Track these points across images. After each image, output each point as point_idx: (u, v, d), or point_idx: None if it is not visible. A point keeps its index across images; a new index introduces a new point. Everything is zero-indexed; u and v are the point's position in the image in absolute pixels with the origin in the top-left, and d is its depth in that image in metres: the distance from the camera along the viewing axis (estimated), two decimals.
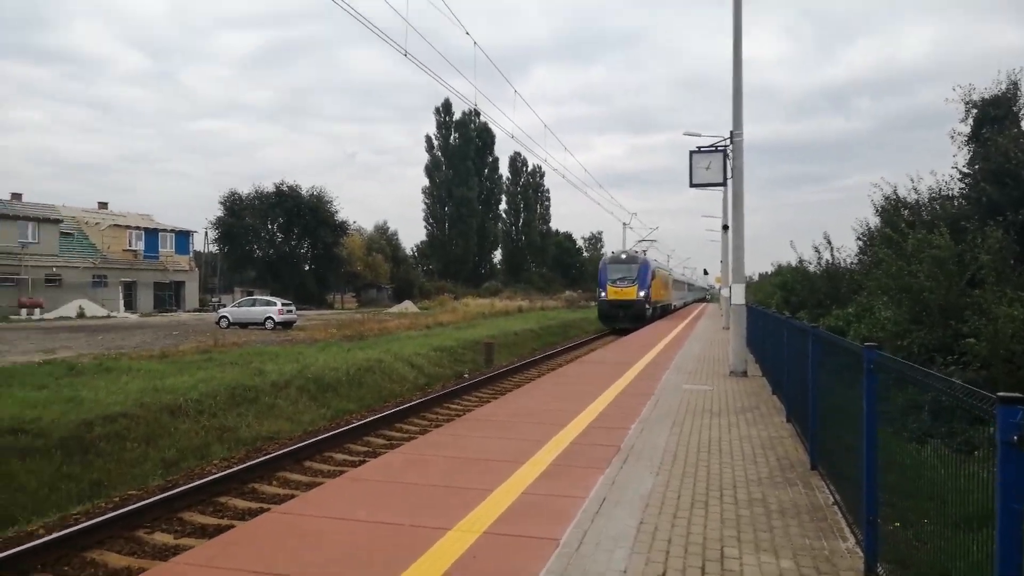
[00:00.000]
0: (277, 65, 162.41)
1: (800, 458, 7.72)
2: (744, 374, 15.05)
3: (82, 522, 8.02)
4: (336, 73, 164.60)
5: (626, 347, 21.88)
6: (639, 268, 37.57)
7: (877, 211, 20.52)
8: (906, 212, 18.82)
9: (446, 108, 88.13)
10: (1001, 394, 2.53)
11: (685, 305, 71.62)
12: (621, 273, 37.28)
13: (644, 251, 45.76)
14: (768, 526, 5.51)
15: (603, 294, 37.59)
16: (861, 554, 4.73)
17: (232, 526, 7.51)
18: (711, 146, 18.20)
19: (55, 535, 7.51)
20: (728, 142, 16.68)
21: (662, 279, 45.66)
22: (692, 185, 17.92)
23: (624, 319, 36.35)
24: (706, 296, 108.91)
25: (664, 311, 46.58)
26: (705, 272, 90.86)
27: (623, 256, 39.31)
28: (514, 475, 6.84)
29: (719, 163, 17.61)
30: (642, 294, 36.60)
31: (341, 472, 9.17)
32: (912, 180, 19.32)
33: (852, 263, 23.10)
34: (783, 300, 27.56)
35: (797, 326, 9.24)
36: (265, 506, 8.31)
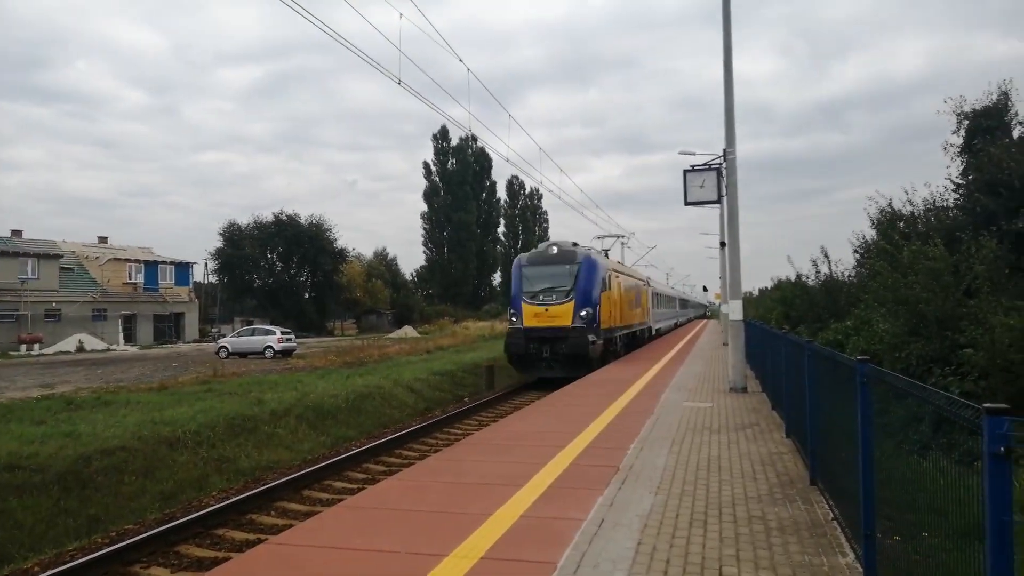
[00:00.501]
0: (276, 97, 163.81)
1: (800, 474, 7.66)
2: (744, 390, 14.99)
3: (78, 558, 7.95)
4: (334, 103, 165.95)
5: (626, 367, 21.82)
6: (579, 270, 22.20)
7: (873, 224, 20.60)
8: (901, 224, 18.87)
9: (443, 134, 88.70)
10: (987, 405, 2.51)
11: (678, 326, 59.13)
12: (547, 281, 22.32)
13: (605, 250, 29.60)
14: (767, 543, 5.46)
15: (515, 318, 22.27)
16: (861, 569, 4.68)
17: (229, 558, 7.43)
18: (705, 164, 18.27)
19: (50, 572, 7.44)
20: (722, 160, 16.76)
21: (629, 290, 28.81)
22: (687, 203, 17.97)
23: (553, 363, 21.52)
24: (706, 312, 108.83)
25: (634, 341, 30.21)
26: (705, 289, 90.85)
27: (552, 251, 23.08)
28: (512, 498, 6.79)
29: (713, 181, 17.67)
30: (584, 315, 21.51)
31: (339, 500, 9.09)
32: (907, 192, 19.40)
33: (850, 276, 23.14)
34: (783, 315, 27.55)
35: (793, 341, 9.22)
36: (262, 537, 8.23)
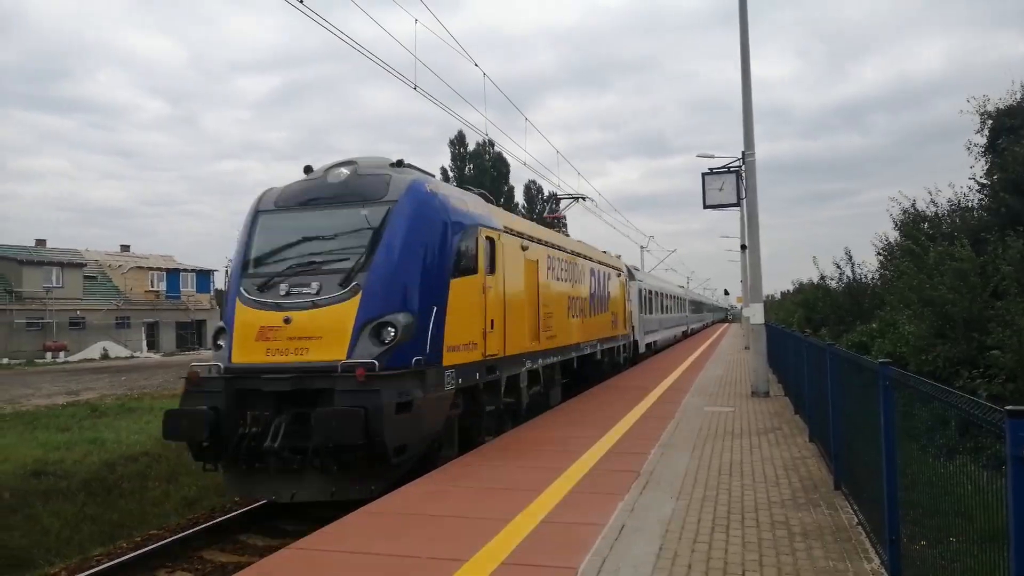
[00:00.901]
0: (293, 105, 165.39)
1: (823, 478, 7.59)
2: (766, 394, 14.87)
3: (103, 563, 8.04)
4: (350, 110, 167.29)
5: (645, 372, 21.73)
6: (390, 223, 8.87)
7: (896, 225, 20.41)
8: (925, 225, 18.68)
9: (460, 140, 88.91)
10: (1009, 407, 2.47)
11: (687, 335, 47.45)
12: (305, 248, 9.25)
13: (556, 218, 21.67)
14: (791, 549, 5.40)
15: (220, 342, 9.17)
16: (886, 575, 4.62)
17: (252, 563, 7.48)
18: (723, 167, 18.17)
19: None
20: (740, 162, 16.68)
21: (568, 280, 15.51)
22: (706, 207, 17.90)
23: (294, 460, 8.06)
24: (727, 316, 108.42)
25: (594, 372, 18.23)
26: (726, 292, 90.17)
27: (334, 177, 9.60)
28: (532, 503, 6.77)
29: (732, 184, 17.57)
30: (385, 332, 8.37)
31: (362, 505, 9.11)
32: (930, 193, 19.22)
33: (874, 278, 22.94)
34: (804, 318, 27.34)
35: (815, 344, 9.15)
36: (286, 541, 8.27)
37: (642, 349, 26.36)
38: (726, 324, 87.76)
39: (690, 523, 6.12)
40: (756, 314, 15.37)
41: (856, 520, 5.95)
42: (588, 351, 17.01)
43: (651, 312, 29.71)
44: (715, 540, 5.66)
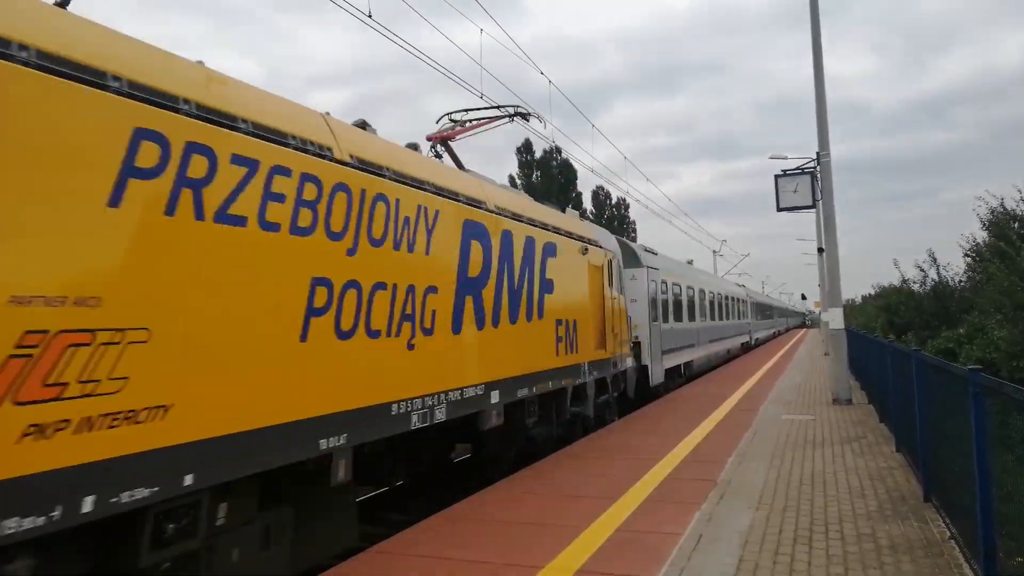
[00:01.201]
0: (367, 116, 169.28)
1: (912, 490, 7.29)
2: (849, 402, 14.41)
3: None
4: (420, 120, 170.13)
5: (720, 378, 21.30)
6: None
7: (984, 225, 19.46)
8: (1016, 224, 17.76)
9: (527, 147, 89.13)
10: None
11: (747, 348, 37.57)
12: None
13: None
14: (878, 563, 5.22)
15: None
16: None
17: (332, 564, 7.66)
18: (797, 168, 17.71)
19: None
20: (815, 163, 16.23)
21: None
22: (779, 209, 17.48)
23: None
24: (805, 321, 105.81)
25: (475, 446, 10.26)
26: (803, 297, 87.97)
27: None
28: (607, 511, 6.75)
29: (807, 185, 17.11)
30: None
31: (435, 510, 9.24)
32: (1020, 191, 18.25)
33: (961, 281, 21.92)
34: (887, 322, 26.33)
35: (899, 350, 8.83)
36: (364, 544, 8.45)
37: (658, 379, 16.90)
38: (804, 330, 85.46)
39: (771, 534, 5.98)
40: (835, 319, 14.90)
41: (948, 534, 5.70)
42: (436, 416, 7.20)
43: (679, 318, 20.00)
44: (797, 552, 5.51)
